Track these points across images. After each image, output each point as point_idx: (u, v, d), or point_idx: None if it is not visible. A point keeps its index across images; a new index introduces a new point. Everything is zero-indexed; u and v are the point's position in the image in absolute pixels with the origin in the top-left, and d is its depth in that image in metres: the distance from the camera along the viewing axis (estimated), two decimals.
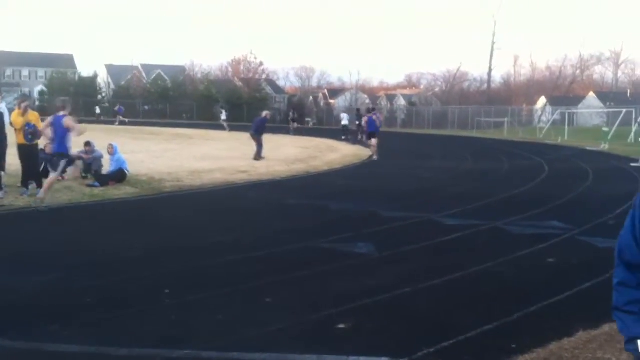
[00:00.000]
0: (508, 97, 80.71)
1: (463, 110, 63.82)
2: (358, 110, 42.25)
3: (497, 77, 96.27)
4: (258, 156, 22.61)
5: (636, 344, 2.34)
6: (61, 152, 11.50)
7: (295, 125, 47.51)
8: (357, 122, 36.24)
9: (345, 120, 40.76)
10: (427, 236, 9.42)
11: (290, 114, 52.13)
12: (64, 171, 12.56)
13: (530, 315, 5.84)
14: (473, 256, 8.26)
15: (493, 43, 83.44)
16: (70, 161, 12.67)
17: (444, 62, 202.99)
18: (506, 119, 53.66)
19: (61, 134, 11.40)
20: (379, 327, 5.53)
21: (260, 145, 23.13)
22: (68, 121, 11.43)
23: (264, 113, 25.98)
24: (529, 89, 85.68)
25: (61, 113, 11.51)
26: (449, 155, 27.82)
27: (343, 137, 37.69)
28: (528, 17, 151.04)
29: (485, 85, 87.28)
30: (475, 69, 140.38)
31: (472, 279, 7.16)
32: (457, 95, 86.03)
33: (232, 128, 45.47)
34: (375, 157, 24.29)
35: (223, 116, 51.23)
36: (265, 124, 24.56)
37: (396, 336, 5.35)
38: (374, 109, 29.58)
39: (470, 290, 6.75)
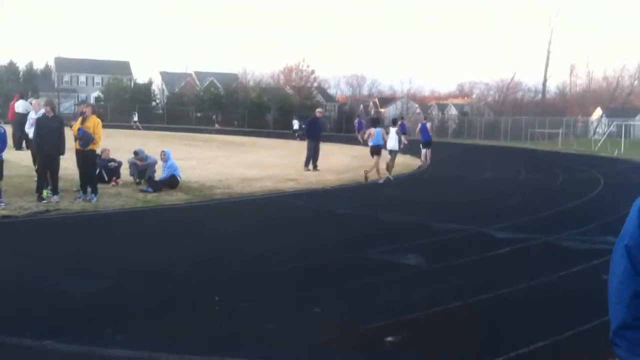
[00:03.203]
0: (563, 107, 79.15)
1: (516, 120, 62.77)
2: (302, 116, 53.36)
3: (552, 86, 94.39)
4: (307, 165, 22.00)
5: None
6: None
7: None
8: (302, 125, 47.63)
9: (296, 125, 51.09)
10: (478, 249, 9.30)
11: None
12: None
13: (584, 333, 5.72)
14: (525, 270, 8.13)
15: (549, 52, 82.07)
16: None
17: (497, 71, 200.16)
18: (560, 130, 52.64)
19: None
20: (428, 340, 5.48)
21: (310, 151, 22.26)
22: None
23: (317, 111, 24.89)
24: (584, 100, 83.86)
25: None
26: (501, 167, 27.44)
27: (297, 137, 46.29)
28: (585, 25, 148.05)
29: (540, 96, 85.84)
30: (529, 78, 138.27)
31: (524, 293, 7.04)
32: (510, 105, 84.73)
33: (281, 135, 45.86)
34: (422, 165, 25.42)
35: (135, 117, 58.49)
36: (320, 126, 23.34)
37: (446, 350, 5.30)
38: (425, 118, 33.52)
39: (521, 305, 6.64)
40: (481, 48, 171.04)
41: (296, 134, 49.59)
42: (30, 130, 14.82)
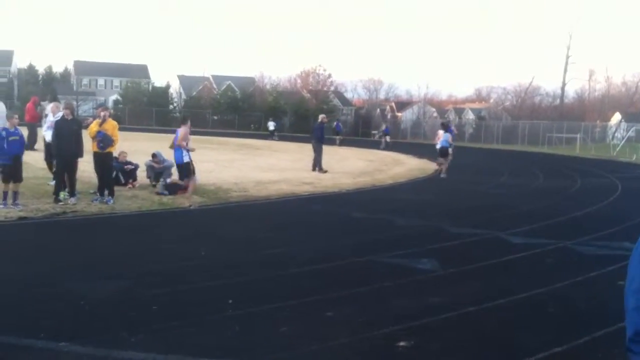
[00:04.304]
0: (581, 112, 78.63)
1: (534, 125, 62.37)
2: (272, 119, 59.52)
3: (571, 91, 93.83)
4: (318, 167, 22.48)
5: None
6: None
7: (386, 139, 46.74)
8: (276, 127, 55.99)
9: (272, 127, 55.37)
10: (494, 254, 9.25)
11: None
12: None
13: (599, 339, 5.67)
14: (541, 276, 8.07)
15: (567, 57, 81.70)
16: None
17: (515, 76, 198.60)
18: (579, 135, 52.26)
19: None
20: (442, 346, 5.46)
21: (318, 154, 22.95)
22: None
23: (320, 117, 25.37)
24: (603, 105, 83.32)
25: None
26: (518, 171, 27.28)
27: (271, 138, 52.17)
28: (604, 30, 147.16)
29: (558, 100, 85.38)
30: (547, 83, 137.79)
31: (540, 299, 6.99)
32: (527, 109, 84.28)
33: (299, 139, 46.00)
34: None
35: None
36: (323, 131, 24.07)
37: (461, 356, 5.27)
38: (449, 122, 35.54)
39: (537, 311, 6.59)
40: (499, 52, 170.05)
41: (272, 136, 53.64)
42: (47, 133, 14.94)
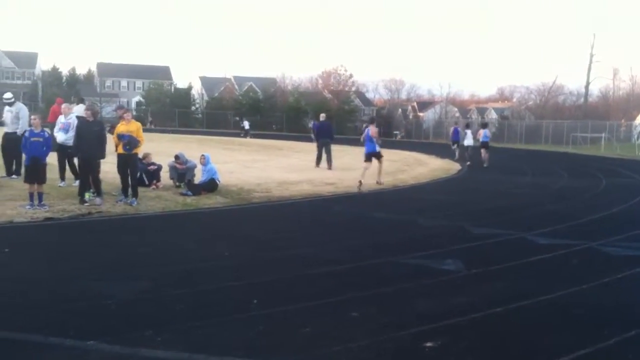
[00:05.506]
0: (605, 112, 77.75)
1: (558, 124, 61.81)
2: (245, 118, 64.95)
3: (595, 90, 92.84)
4: (318, 164, 23.95)
5: None
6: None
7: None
8: (250, 125, 60.52)
9: (246, 126, 59.54)
10: (518, 255, 9.17)
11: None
12: None
13: (628, 341, 5.59)
14: (566, 277, 7.99)
15: (591, 55, 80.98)
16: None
17: (538, 75, 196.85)
18: (603, 135, 51.67)
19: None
20: (468, 347, 5.42)
21: (320, 151, 24.32)
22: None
23: (322, 116, 26.26)
24: (628, 104, 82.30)
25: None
26: (542, 171, 27.05)
27: (242, 135, 56.34)
28: (629, 28, 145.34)
29: (582, 100, 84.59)
30: (571, 82, 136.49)
31: (566, 300, 6.92)
32: (551, 109, 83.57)
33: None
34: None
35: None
36: (326, 128, 25.09)
37: (484, 357, 5.23)
38: (465, 123, 38.94)
39: (563, 312, 6.52)
40: (522, 51, 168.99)
41: (243, 134, 57.42)
42: (58, 134, 15.01)
